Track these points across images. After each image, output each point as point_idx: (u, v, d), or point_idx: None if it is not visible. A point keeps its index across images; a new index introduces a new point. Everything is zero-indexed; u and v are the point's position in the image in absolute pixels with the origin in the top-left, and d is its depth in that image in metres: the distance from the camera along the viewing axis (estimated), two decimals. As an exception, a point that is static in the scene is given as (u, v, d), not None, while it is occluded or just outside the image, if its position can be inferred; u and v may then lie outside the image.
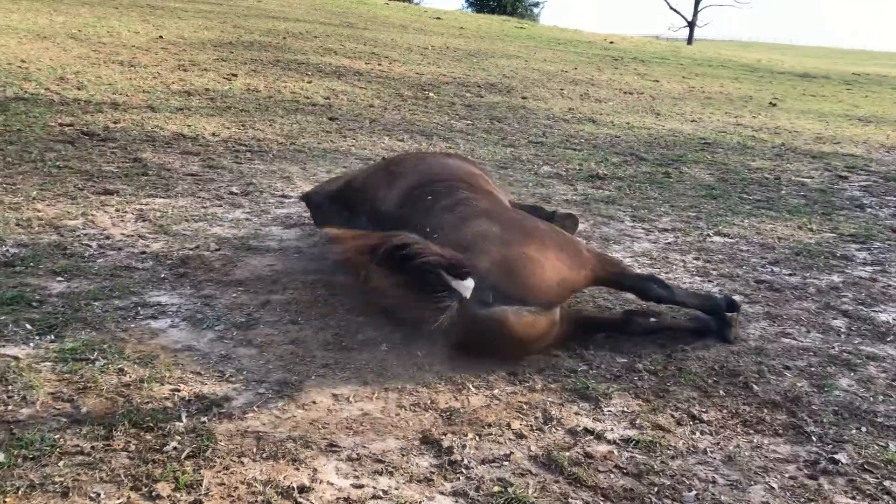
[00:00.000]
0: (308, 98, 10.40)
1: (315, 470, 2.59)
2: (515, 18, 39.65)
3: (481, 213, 3.65)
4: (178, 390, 3.01)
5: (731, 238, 5.72)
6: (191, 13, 17.99)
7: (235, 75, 11.30)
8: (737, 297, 4.20)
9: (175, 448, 2.62)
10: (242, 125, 8.36)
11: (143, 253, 4.49)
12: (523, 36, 25.03)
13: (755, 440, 3.00)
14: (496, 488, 2.56)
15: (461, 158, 5.09)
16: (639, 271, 3.93)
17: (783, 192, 7.47)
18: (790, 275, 4.97)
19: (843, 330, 4.14)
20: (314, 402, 3.01)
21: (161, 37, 13.94)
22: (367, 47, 16.24)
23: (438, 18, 27.72)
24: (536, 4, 63.75)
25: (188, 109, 8.81)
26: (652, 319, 3.80)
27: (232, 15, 18.76)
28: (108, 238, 4.67)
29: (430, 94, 11.87)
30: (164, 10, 17.88)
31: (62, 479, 2.41)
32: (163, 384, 3.04)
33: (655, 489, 2.63)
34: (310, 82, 11.55)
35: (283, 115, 9.11)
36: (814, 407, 3.28)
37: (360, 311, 3.87)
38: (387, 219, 3.94)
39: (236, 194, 5.88)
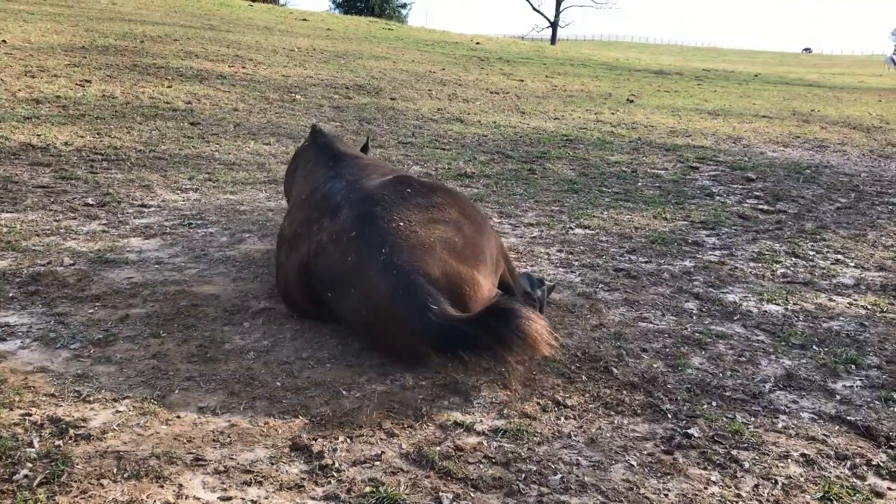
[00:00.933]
0: (168, 103, 10.04)
1: (181, 486, 2.51)
2: (383, 20, 39.71)
3: (448, 220, 3.57)
4: (30, 414, 2.85)
5: (592, 230, 5.97)
6: (37, 16, 16.95)
7: (89, 81, 10.76)
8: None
9: (26, 476, 2.48)
10: (98, 133, 7.97)
11: (-12, 272, 4.21)
12: (391, 37, 25.10)
13: (616, 421, 3.14)
14: (368, 489, 2.57)
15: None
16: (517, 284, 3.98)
17: (640, 183, 7.86)
18: (646, 262, 5.24)
19: (694, 311, 4.40)
20: (178, 417, 2.93)
21: (4, 41, 13.06)
22: (230, 50, 15.84)
23: (305, 20, 27.37)
24: (404, 6, 64.07)
25: (37, 118, 8.32)
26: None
27: (84, 18, 17.82)
28: (-53, 258, 4.36)
29: (297, 97, 11.72)
30: (6, 13, 16.77)
31: None
32: (12, 409, 2.87)
33: (523, 475, 2.71)
34: (170, 87, 11.15)
35: (141, 122, 8.76)
36: (669, 386, 3.47)
37: (226, 321, 3.78)
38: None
39: (92, 206, 5.61)
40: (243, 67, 13.84)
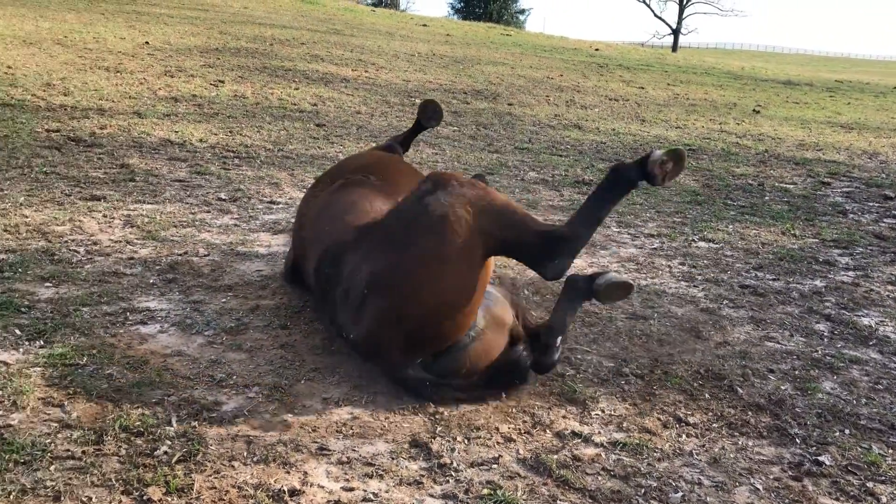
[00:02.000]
0: (295, 105, 10.41)
1: (306, 473, 2.61)
2: (501, 25, 39.83)
3: None
4: (169, 395, 3.02)
5: (716, 243, 5.79)
6: (177, 19, 17.96)
7: (223, 81, 11.31)
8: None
9: (166, 452, 2.63)
10: (230, 131, 8.36)
11: (132, 259, 4.49)
12: (509, 43, 25.15)
13: (740, 442, 3.04)
14: (485, 490, 2.59)
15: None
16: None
17: (767, 197, 7.56)
18: (774, 280, 5.04)
19: (826, 334, 4.20)
20: (304, 406, 3.03)
21: (147, 43, 13.91)
22: (353, 54, 16.28)
23: (425, 25, 27.81)
24: (522, 12, 64.10)
25: (175, 115, 8.81)
26: (559, 339, 3.32)
27: (218, 21, 18.75)
28: (95, 244, 4.67)
29: (417, 101, 11.90)
30: (149, 16, 17.85)
31: (54, 483, 2.42)
32: (153, 389, 3.05)
33: (642, 491, 2.66)
34: (297, 89, 11.56)
35: (270, 122, 9.13)
36: (798, 409, 3.33)
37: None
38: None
39: (224, 200, 5.88)
40: (366, 71, 14.20)
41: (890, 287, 5.03)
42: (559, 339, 3.29)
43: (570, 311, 3.31)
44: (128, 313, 3.74)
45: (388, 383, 3.23)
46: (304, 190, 6.38)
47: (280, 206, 5.91)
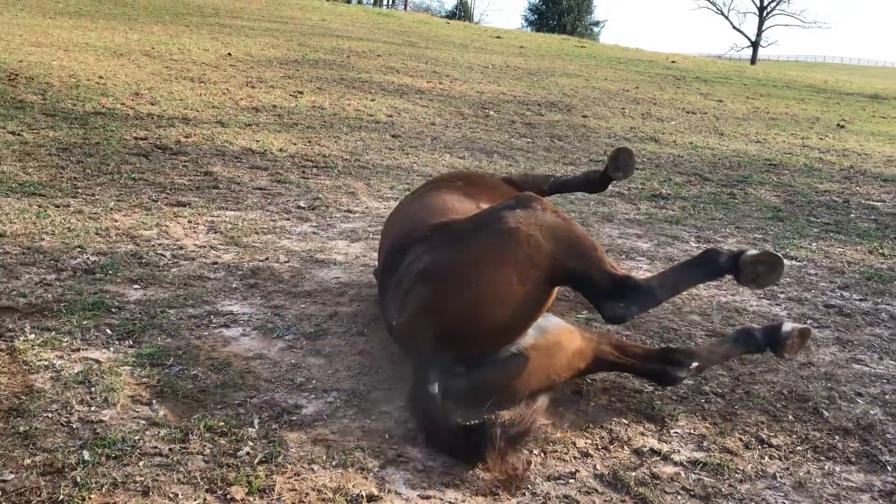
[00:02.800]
0: (371, 115, 10.57)
1: (383, 480, 2.63)
2: (575, 37, 39.66)
3: None
4: (251, 397, 3.09)
5: (799, 261, 5.62)
6: (258, 31, 18.47)
7: (301, 92, 11.56)
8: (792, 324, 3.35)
9: (248, 453, 2.70)
10: (308, 141, 8.54)
11: (215, 263, 4.63)
12: (583, 55, 25.00)
13: (826, 467, 2.94)
14: (562, 505, 2.57)
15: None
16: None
17: (852, 215, 7.30)
18: (861, 300, 4.86)
19: (918, 358, 4.02)
20: (382, 413, 3.06)
21: (230, 54, 14.35)
22: (428, 66, 16.44)
23: (498, 38, 27.88)
24: (597, 24, 63.82)
25: (256, 125, 9.05)
26: (694, 365, 3.24)
27: (297, 33, 19.21)
28: (181, 248, 4.83)
29: (491, 113, 11.94)
30: (232, 28, 18.41)
31: (142, 478, 2.51)
32: (236, 390, 3.13)
33: (724, 512, 2.60)
34: (373, 100, 11.74)
35: (347, 132, 9.28)
36: (888, 435, 3.20)
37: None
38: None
39: (303, 208, 6.01)
40: (440, 83, 14.31)
41: None
42: (696, 364, 3.22)
43: (726, 353, 3.28)
44: (212, 316, 3.85)
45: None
46: (381, 199, 6.48)
47: (357, 214, 6.00)
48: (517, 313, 3.00)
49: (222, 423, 2.86)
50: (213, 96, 10.45)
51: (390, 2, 72.00)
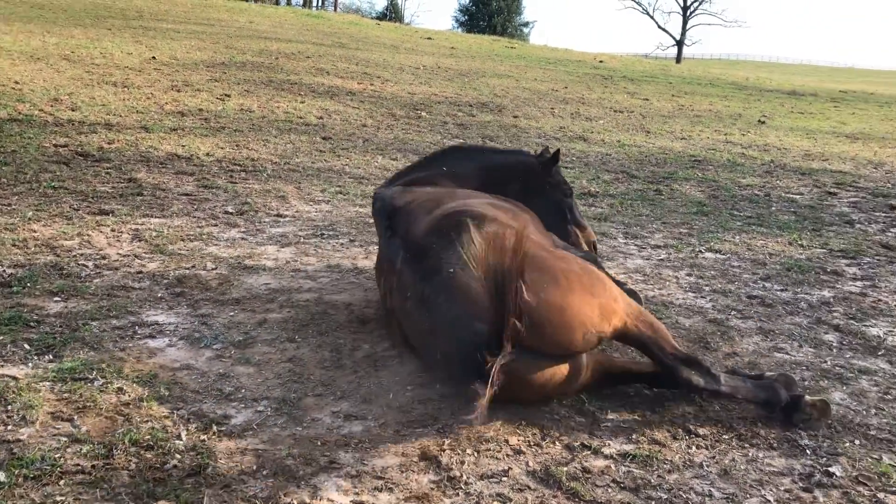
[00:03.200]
0: (301, 118, 10.46)
1: (316, 487, 2.60)
2: (506, 38, 39.98)
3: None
4: (178, 409, 3.02)
5: (723, 254, 5.78)
6: (183, 34, 18.08)
7: (229, 95, 11.37)
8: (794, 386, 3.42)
9: (175, 466, 2.63)
10: (236, 145, 8.40)
11: (140, 273, 4.51)
12: (514, 55, 25.23)
13: (750, 454, 3.03)
14: (495, 503, 2.58)
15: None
16: (679, 349, 3.32)
17: (773, 208, 7.56)
18: (782, 290, 5.03)
19: (834, 344, 4.18)
20: (313, 420, 3.03)
21: (154, 58, 14.00)
22: (359, 67, 16.36)
23: (429, 39, 27.92)
24: (526, 24, 64.47)
25: (182, 130, 8.85)
26: (702, 382, 3.25)
27: (224, 35, 18.87)
28: (104, 258, 4.69)
29: (423, 114, 11.95)
30: (156, 31, 17.97)
31: (63, 498, 2.42)
32: (162, 403, 3.06)
33: (653, 502, 2.65)
34: (303, 102, 11.62)
35: (276, 135, 9.17)
36: (796, 419, 3.30)
37: (358, 329, 3.90)
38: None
39: (231, 214, 5.91)
40: (371, 84, 14.26)
41: (898, 297, 5.02)
42: (705, 380, 3.26)
43: (744, 390, 3.31)
44: (136, 327, 3.75)
45: (397, 398, 3.23)
46: (312, 203, 6.41)
47: (287, 219, 5.92)
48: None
49: (148, 437, 2.79)
50: (136, 101, 10.19)
51: (320, 3, 71.37)
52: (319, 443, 2.87)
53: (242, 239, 5.34)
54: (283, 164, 7.80)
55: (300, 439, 2.89)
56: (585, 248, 4.56)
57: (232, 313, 4.02)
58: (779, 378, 3.39)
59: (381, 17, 63.85)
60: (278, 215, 6.01)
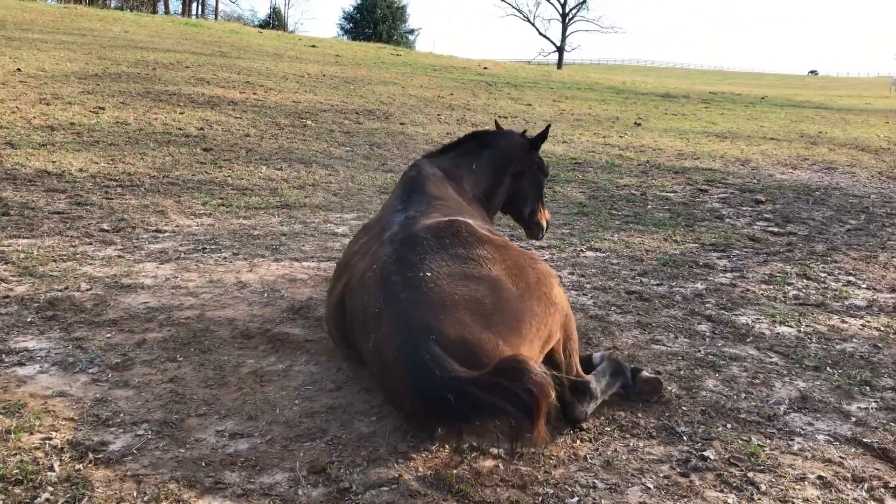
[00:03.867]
0: (181, 129, 10.15)
1: (200, 509, 2.53)
2: (391, 45, 40.11)
3: (484, 277, 3.13)
4: (50, 438, 2.87)
5: (603, 252, 5.99)
6: (51, 44, 17.20)
7: (103, 108, 10.90)
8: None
9: (48, 500, 2.50)
10: (112, 159, 8.06)
11: (6, 297, 4.27)
12: (399, 62, 25.32)
13: (631, 444, 3.15)
14: (386, 512, 2.58)
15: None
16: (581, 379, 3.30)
17: (649, 206, 7.89)
18: (658, 284, 5.25)
19: (707, 334, 4.40)
20: (197, 441, 2.95)
21: (19, 69, 13.26)
22: (241, 76, 16.02)
23: (314, 46, 27.66)
24: (412, 31, 64.86)
25: (52, 145, 8.43)
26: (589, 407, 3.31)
27: (97, 46, 18.07)
28: (-34, 283, 4.41)
29: (308, 122, 11.82)
30: (21, 42, 17.02)
31: (-78, 543, 2.26)
32: (32, 433, 2.90)
33: (540, 498, 2.72)
34: (182, 113, 11.27)
35: (154, 148, 8.86)
36: (684, 408, 3.47)
37: (242, 345, 3.82)
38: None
39: (107, 231, 5.67)
40: (254, 93, 13.99)
41: (764, 286, 5.34)
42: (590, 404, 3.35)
43: (610, 386, 3.44)
44: (3, 355, 3.55)
45: (283, 412, 3.18)
46: (193, 216, 6.24)
47: (167, 234, 5.74)
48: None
49: (17, 471, 2.63)
50: (0, 115, 9.62)
51: (199, 11, 69.47)
52: (204, 464, 2.80)
53: (119, 257, 5.14)
54: (161, 177, 7.55)
55: (183, 461, 2.80)
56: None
57: (109, 335, 3.86)
58: (611, 357, 3.65)
59: (264, 25, 62.75)
60: (157, 231, 5.81)
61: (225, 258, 5.31)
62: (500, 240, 3.45)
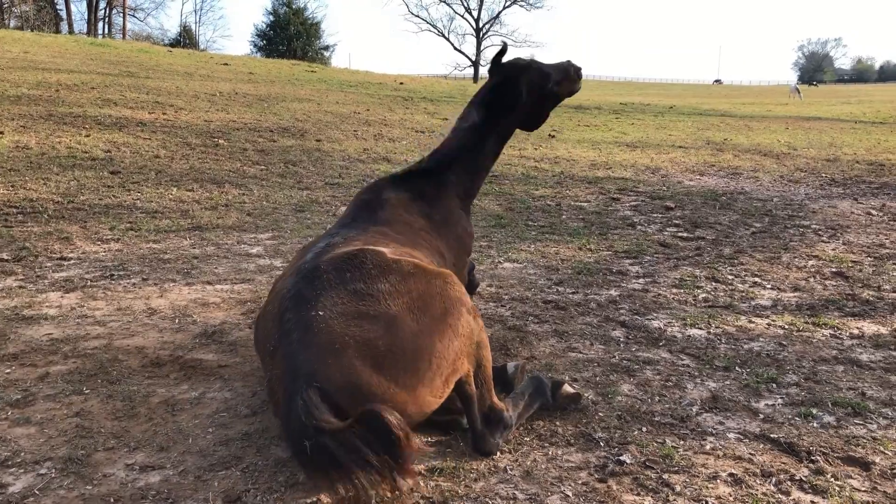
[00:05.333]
0: (86, 152, 9.81)
1: (108, 548, 2.43)
2: (306, 62, 39.81)
3: (381, 315, 2.93)
4: (-57, 484, 2.71)
5: (520, 263, 6.06)
6: (-56, 66, 16.43)
7: (1, 132, 10.44)
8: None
9: (-60, 549, 2.36)
10: (12, 185, 7.72)
11: None
12: (314, 79, 25.15)
13: (550, 452, 3.18)
14: (304, 537, 2.53)
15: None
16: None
17: (564, 216, 8.03)
18: (573, 293, 5.34)
19: (621, 339, 4.50)
20: (105, 476, 2.83)
21: None
22: (150, 96, 15.61)
23: (226, 64, 27.21)
24: (326, 48, 64.57)
25: (-55, 172, 8.02)
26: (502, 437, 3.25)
27: (-6, 67, 17.33)
28: None
29: (220, 141, 11.60)
30: (-89, 64, 16.19)
31: None
32: (-77, 480, 2.73)
33: (460, 513, 2.71)
34: (87, 136, 10.90)
35: (58, 172, 8.53)
36: (600, 414, 3.53)
37: (152, 374, 3.69)
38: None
39: (7, 261, 5.41)
40: (164, 114, 13.65)
41: (675, 290, 5.49)
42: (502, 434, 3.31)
43: (527, 409, 3.46)
44: None
45: (197, 442, 3.08)
46: (100, 242, 6.02)
47: (72, 262, 5.52)
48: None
49: None
50: None
51: (106, 31, 67.45)
52: (112, 500, 2.68)
53: (20, 287, 4.91)
54: (66, 202, 7.27)
55: (90, 499, 2.68)
56: None
57: (8, 370, 3.68)
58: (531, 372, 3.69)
59: (175, 44, 61.42)
60: (62, 258, 5.59)
61: (134, 284, 5.14)
62: (410, 266, 3.21)
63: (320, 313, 2.90)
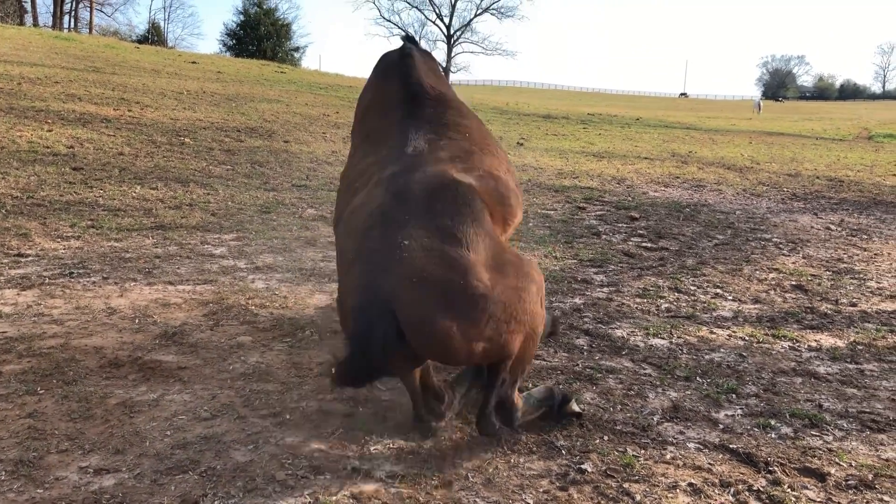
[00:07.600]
0: (48, 147, 9.62)
1: (58, 553, 2.37)
2: (276, 63, 39.53)
3: (463, 259, 2.94)
4: None
5: (487, 270, 6.06)
6: None
7: (-41, 124, 10.21)
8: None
9: None
10: (-32, 179, 7.55)
11: None
12: (284, 80, 24.99)
13: (512, 460, 3.17)
14: (261, 543, 2.49)
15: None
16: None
17: (530, 224, 8.06)
18: (539, 301, 5.35)
19: (585, 347, 4.52)
20: (57, 479, 2.76)
21: None
22: (115, 93, 15.37)
23: (194, 63, 26.92)
24: (297, 49, 64.15)
25: None
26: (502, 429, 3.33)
27: (-46, 58, 16.95)
28: None
29: (186, 140, 11.46)
30: None
31: None
32: None
33: (421, 521, 2.69)
34: (50, 131, 10.70)
35: (18, 167, 8.35)
36: (563, 422, 3.53)
37: (110, 375, 3.62)
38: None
39: (-39, 256, 5.29)
40: (129, 111, 13.45)
41: (638, 300, 5.54)
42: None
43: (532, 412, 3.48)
44: None
45: (154, 444, 3.03)
46: (60, 239, 5.91)
47: (30, 258, 5.40)
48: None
49: None
50: None
51: (72, 25, 66.32)
52: (65, 503, 2.62)
53: (-26, 284, 4.79)
54: (25, 198, 7.12)
55: (40, 502, 2.62)
56: None
57: (-41, 369, 3.58)
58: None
59: (143, 40, 60.60)
60: (19, 255, 5.46)
61: (94, 283, 5.04)
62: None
63: (405, 242, 2.93)
